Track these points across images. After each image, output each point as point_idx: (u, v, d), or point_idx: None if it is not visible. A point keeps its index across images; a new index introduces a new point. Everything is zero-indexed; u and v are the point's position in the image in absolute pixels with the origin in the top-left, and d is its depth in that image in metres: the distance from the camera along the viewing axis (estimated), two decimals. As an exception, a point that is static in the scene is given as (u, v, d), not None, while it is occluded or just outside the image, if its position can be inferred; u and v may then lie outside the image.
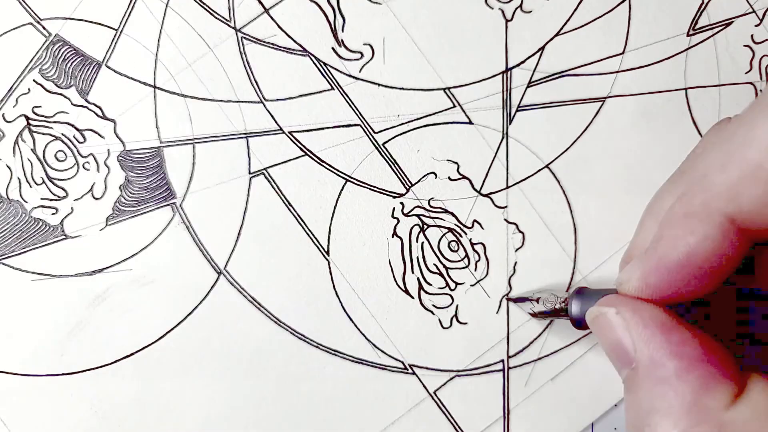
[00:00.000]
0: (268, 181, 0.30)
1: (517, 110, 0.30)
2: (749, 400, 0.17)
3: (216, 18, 0.30)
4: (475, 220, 0.30)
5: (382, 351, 0.30)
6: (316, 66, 0.30)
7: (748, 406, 0.17)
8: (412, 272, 0.30)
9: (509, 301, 0.29)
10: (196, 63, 0.30)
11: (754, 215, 0.17)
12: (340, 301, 0.30)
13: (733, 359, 0.18)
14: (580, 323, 0.24)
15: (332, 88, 0.30)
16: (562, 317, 0.27)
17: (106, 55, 0.29)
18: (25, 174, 0.29)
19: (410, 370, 0.30)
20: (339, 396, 0.29)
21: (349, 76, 0.30)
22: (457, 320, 0.30)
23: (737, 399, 0.17)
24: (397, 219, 0.30)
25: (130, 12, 0.29)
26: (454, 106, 0.30)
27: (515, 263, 0.30)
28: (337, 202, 0.30)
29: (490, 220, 0.30)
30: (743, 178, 0.17)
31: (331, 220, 0.30)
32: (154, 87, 0.29)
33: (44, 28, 0.29)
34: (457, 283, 0.30)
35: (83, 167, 0.29)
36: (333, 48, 0.30)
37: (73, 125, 0.29)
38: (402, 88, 0.30)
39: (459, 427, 0.29)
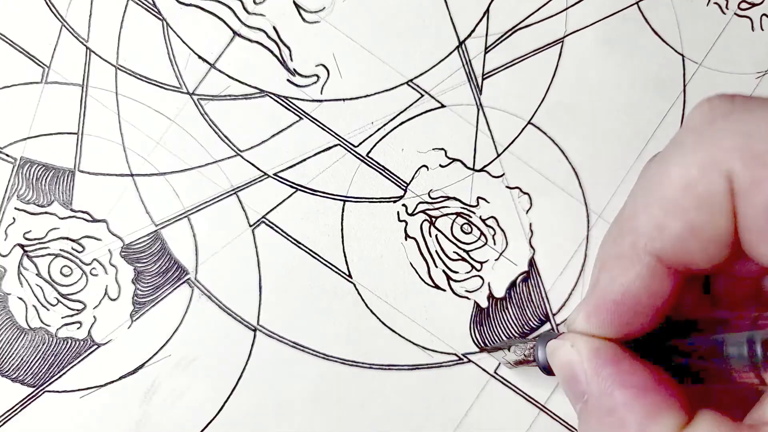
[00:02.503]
0: (271, 228, 0.30)
1: (483, 79, 0.30)
2: (695, 429, 0.17)
3: (167, 89, 0.29)
4: (478, 197, 0.30)
5: (433, 350, 0.30)
6: (278, 102, 0.30)
7: None
8: (436, 266, 0.30)
9: (485, 351, 0.29)
10: (163, 139, 0.29)
11: (678, 252, 0.17)
12: (378, 317, 0.30)
13: (682, 390, 0.18)
14: (546, 369, 0.23)
15: (301, 119, 0.30)
16: (532, 365, 0.26)
17: (75, 160, 0.29)
18: (38, 300, 0.29)
19: (465, 359, 0.30)
20: (407, 407, 0.30)
21: (313, 101, 0.30)
22: (493, 297, 0.30)
23: (684, 429, 0.17)
24: (405, 221, 0.30)
25: (84, 112, 0.29)
26: (423, 96, 0.30)
27: (530, 224, 0.30)
28: (342, 225, 0.30)
29: (492, 193, 0.30)
30: (664, 216, 0.17)
31: (343, 243, 0.30)
32: (132, 175, 0.29)
33: (7, 155, 0.29)
34: (481, 263, 0.30)
35: (91, 274, 0.29)
36: (288, 80, 0.30)
37: (67, 238, 0.29)
38: (367, 95, 0.30)
39: (530, 398, 0.30)
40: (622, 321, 0.18)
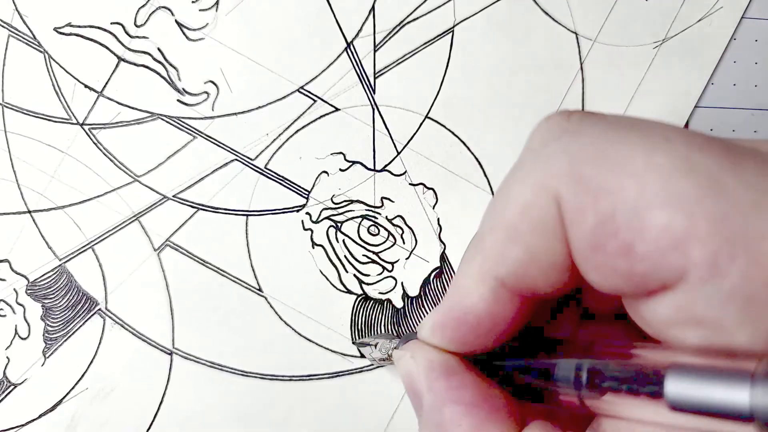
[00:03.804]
0: (176, 250, 0.29)
1: (375, 78, 0.30)
2: None
3: (56, 122, 0.29)
4: (382, 197, 0.30)
5: (353, 356, 0.29)
6: (170, 123, 0.29)
7: None
8: (347, 272, 0.30)
9: (356, 345, 0.29)
10: (57, 172, 0.29)
11: (520, 277, 0.17)
12: (293, 329, 0.29)
13: (513, 405, 0.18)
14: None
15: (195, 137, 0.29)
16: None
17: (-29, 203, 0.29)
18: (-50, 346, 0.29)
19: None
20: (332, 416, 0.29)
21: (205, 118, 0.30)
22: (407, 296, 0.30)
23: None
24: (311, 229, 0.30)
25: (-26, 153, 0.29)
26: (315, 101, 0.30)
27: (438, 219, 0.30)
28: (248, 240, 0.29)
29: (396, 191, 0.30)
30: (506, 240, 0.17)
31: (250, 258, 0.29)
32: (29, 212, 0.29)
33: None
34: (392, 263, 0.30)
35: (-1, 316, 0.29)
36: (178, 100, 0.30)
37: (-28, 282, 0.29)
38: (259, 107, 0.30)
39: (454, 393, 0.29)
40: (464, 339, 0.18)
